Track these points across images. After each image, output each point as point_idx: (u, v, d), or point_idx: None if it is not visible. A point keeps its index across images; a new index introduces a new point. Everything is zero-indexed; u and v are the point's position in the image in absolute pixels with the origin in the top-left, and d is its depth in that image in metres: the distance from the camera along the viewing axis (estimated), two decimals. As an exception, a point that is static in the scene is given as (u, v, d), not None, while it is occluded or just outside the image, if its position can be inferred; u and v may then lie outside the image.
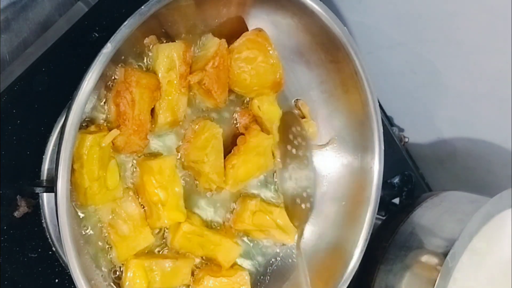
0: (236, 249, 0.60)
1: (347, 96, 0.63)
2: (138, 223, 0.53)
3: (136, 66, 0.54)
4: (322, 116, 0.66)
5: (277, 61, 0.59)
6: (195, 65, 0.56)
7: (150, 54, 0.54)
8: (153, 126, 0.54)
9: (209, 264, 0.59)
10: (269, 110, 0.62)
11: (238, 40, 0.58)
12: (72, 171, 0.47)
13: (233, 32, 0.58)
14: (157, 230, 0.56)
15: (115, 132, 0.50)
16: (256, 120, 0.62)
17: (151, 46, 0.53)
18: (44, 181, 0.54)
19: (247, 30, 0.60)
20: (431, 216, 0.68)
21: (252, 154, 0.60)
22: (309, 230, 0.66)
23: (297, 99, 0.65)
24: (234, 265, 0.60)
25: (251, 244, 0.63)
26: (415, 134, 0.92)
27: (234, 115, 0.62)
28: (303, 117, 0.65)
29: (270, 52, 0.58)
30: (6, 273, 0.52)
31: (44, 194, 0.54)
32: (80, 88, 0.45)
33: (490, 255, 0.64)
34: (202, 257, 0.59)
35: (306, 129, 0.64)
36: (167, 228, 0.57)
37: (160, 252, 0.57)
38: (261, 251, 0.64)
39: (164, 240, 0.57)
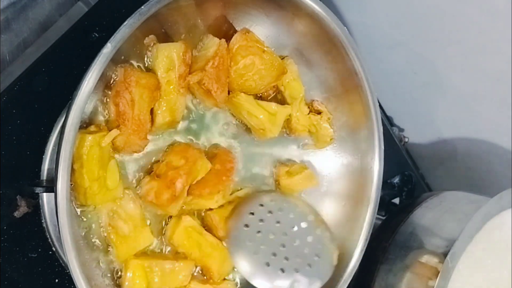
0: (230, 262, 0.58)
1: (347, 96, 0.63)
2: (138, 223, 0.53)
3: (136, 66, 0.54)
4: (322, 116, 0.66)
5: (273, 56, 0.59)
6: (194, 65, 0.56)
7: (150, 54, 0.54)
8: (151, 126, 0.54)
9: (200, 274, 0.58)
10: (291, 85, 0.62)
11: (230, 48, 0.57)
12: (72, 171, 0.47)
13: (232, 32, 0.58)
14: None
15: (114, 132, 0.50)
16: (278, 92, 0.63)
17: (151, 46, 0.54)
18: (44, 181, 0.54)
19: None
20: (431, 216, 0.68)
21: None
22: (309, 230, 0.66)
23: (312, 100, 0.65)
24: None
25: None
26: (415, 134, 0.92)
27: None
28: (319, 112, 0.65)
29: (264, 49, 0.58)
30: (6, 273, 0.52)
31: (44, 194, 0.54)
32: (80, 88, 0.45)
33: (490, 255, 0.64)
34: (195, 266, 0.57)
35: (319, 130, 0.64)
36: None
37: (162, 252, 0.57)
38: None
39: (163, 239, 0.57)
